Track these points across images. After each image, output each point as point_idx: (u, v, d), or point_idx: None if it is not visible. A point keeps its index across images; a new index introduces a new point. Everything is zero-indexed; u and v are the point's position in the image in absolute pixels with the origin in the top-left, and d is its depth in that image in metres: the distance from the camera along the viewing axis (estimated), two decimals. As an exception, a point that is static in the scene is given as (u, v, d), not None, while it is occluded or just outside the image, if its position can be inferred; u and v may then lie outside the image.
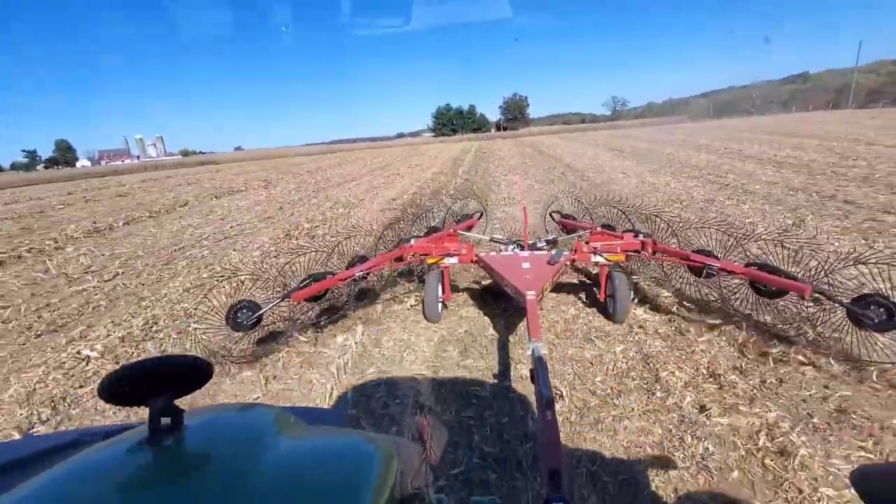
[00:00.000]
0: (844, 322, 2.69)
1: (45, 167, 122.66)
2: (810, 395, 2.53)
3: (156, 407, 0.44)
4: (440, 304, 3.59)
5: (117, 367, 0.44)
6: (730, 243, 3.41)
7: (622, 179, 10.89)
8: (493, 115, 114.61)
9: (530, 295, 2.75)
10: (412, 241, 3.72)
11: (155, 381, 0.44)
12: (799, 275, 2.86)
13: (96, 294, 5.00)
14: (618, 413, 2.52)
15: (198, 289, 4.90)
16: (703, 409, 2.49)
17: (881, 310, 2.51)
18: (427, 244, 3.71)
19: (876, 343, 2.64)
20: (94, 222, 9.31)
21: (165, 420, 0.45)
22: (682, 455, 2.20)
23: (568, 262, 3.50)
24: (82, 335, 3.93)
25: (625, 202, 4.67)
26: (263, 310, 3.04)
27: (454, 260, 3.64)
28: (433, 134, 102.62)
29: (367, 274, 3.55)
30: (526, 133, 60.43)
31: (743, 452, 2.19)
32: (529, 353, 1.94)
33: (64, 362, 3.43)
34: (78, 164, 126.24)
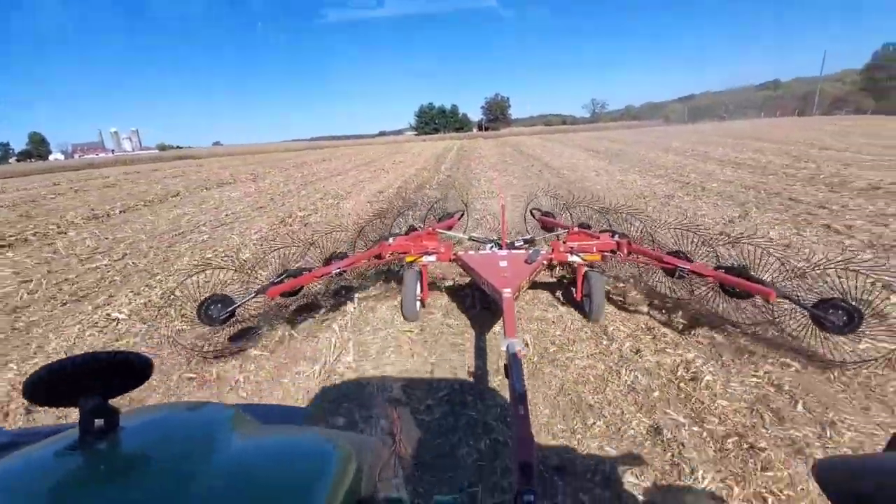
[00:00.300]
0: (808, 324, 2.78)
1: (18, 160, 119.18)
2: (722, 342, 3.20)
3: (87, 407, 0.41)
4: (418, 303, 3.60)
5: (40, 366, 0.42)
6: (700, 245, 3.50)
7: (594, 177, 11.66)
8: (476, 115, 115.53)
9: (506, 293, 2.80)
10: (391, 240, 3.77)
11: (86, 380, 0.42)
12: (767, 278, 2.95)
13: (109, 271, 5.43)
14: (570, 355, 3.15)
15: (201, 267, 5.39)
16: (637, 351, 3.14)
17: (841, 313, 2.57)
18: (406, 242, 3.75)
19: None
20: (92, 210, 9.60)
21: (99, 421, 0.42)
22: (617, 382, 2.84)
23: (545, 262, 3.56)
24: (106, 303, 4.40)
25: (602, 202, 4.76)
26: (236, 304, 3.00)
27: (432, 258, 3.67)
28: (415, 132, 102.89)
29: (345, 271, 3.49)
30: (507, 133, 61.47)
31: (664, 380, 2.84)
32: (504, 349, 1.98)
33: (97, 322, 3.91)
34: (51, 157, 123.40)
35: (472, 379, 2.90)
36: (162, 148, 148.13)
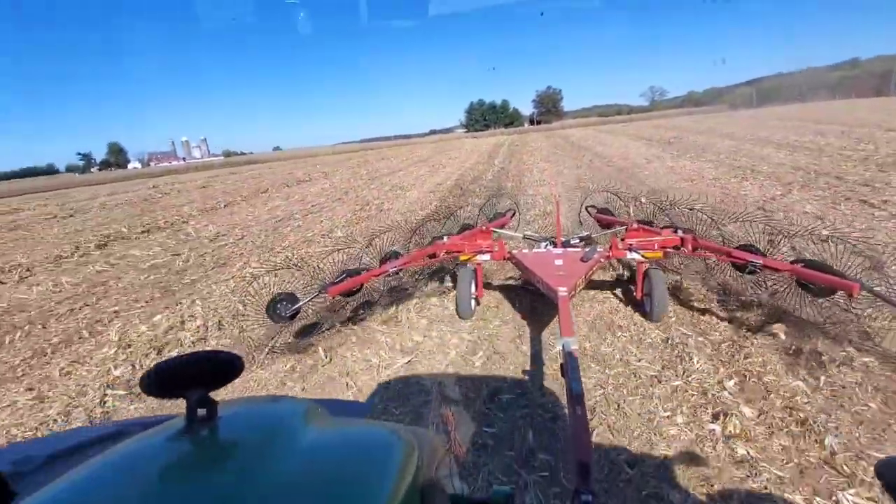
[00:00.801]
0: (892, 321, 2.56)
1: (99, 169, 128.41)
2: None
3: (192, 399, 0.47)
4: (473, 301, 3.61)
5: (154, 363, 0.48)
6: (774, 238, 3.27)
7: (644, 164, 12.13)
8: (527, 109, 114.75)
9: (562, 292, 2.76)
10: (445, 239, 3.77)
11: (191, 375, 0.48)
12: (849, 272, 2.69)
13: (236, 247, 6.88)
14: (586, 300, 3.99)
15: (306, 243, 6.69)
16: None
17: None
18: (460, 241, 3.75)
19: None
20: (203, 205, 11.45)
21: (201, 411, 0.48)
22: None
23: (602, 260, 3.50)
24: (244, 265, 5.76)
25: (660, 195, 4.50)
26: (301, 303, 3.11)
27: (486, 257, 3.66)
28: (465, 130, 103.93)
29: (400, 270, 3.56)
30: (559, 126, 60.99)
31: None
32: (560, 348, 1.94)
33: (245, 276, 5.24)
34: (130, 166, 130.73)
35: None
36: (227, 154, 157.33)
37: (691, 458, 2.09)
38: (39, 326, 4.44)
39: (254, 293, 3.28)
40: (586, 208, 4.95)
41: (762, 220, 3.57)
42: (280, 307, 3.08)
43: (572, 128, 47.57)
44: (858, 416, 2.23)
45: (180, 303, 4.66)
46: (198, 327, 4.03)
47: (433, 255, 3.70)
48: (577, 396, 1.49)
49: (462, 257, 3.68)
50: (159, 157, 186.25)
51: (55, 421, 2.86)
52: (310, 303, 3.17)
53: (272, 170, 26.46)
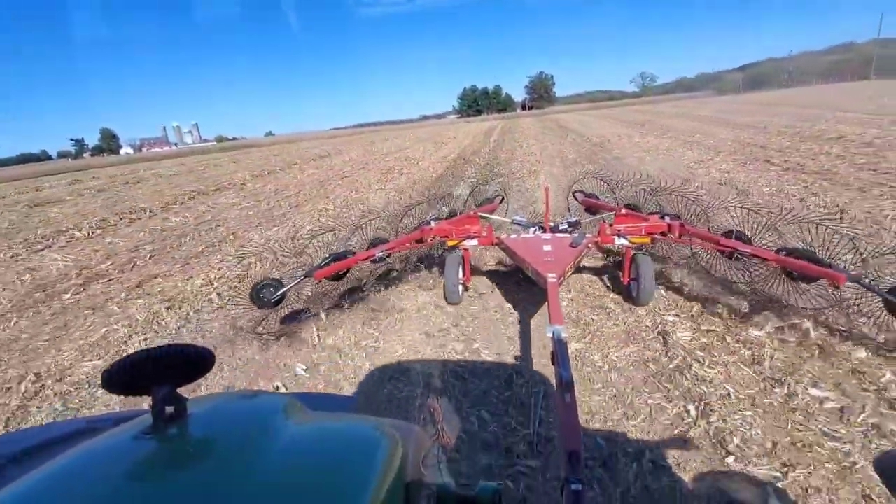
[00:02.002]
0: (881, 311, 2.51)
1: (92, 155, 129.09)
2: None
3: (159, 395, 0.45)
4: (460, 287, 3.59)
5: (117, 358, 0.46)
6: (761, 225, 3.21)
7: (616, 140, 14.47)
8: (519, 95, 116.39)
9: (551, 278, 2.74)
10: (432, 224, 3.76)
11: (158, 370, 0.46)
12: (837, 262, 2.66)
13: (298, 197, 9.17)
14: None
15: (354, 192, 8.98)
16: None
17: None
18: (447, 226, 3.73)
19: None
20: (251, 173, 13.75)
21: (169, 408, 0.46)
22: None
23: (591, 245, 3.50)
24: (312, 208, 8.05)
25: (649, 182, 4.48)
26: (286, 287, 3.07)
27: (474, 242, 3.65)
28: (458, 115, 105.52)
29: (388, 255, 3.56)
30: (550, 111, 63.15)
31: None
32: (550, 335, 1.92)
33: (322, 212, 7.53)
34: (122, 152, 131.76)
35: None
36: (220, 139, 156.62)
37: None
38: (196, 236, 6.74)
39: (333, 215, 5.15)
40: (574, 193, 4.90)
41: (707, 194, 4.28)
42: (265, 293, 3.04)
43: (562, 113, 49.74)
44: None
45: (284, 224, 6.98)
46: (303, 235, 6.33)
47: (421, 240, 3.72)
48: (566, 384, 1.48)
49: (450, 242, 3.69)
50: (151, 142, 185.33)
51: (235, 274, 5.17)
52: (295, 287, 3.13)
53: (282, 150, 28.51)
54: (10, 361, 3.38)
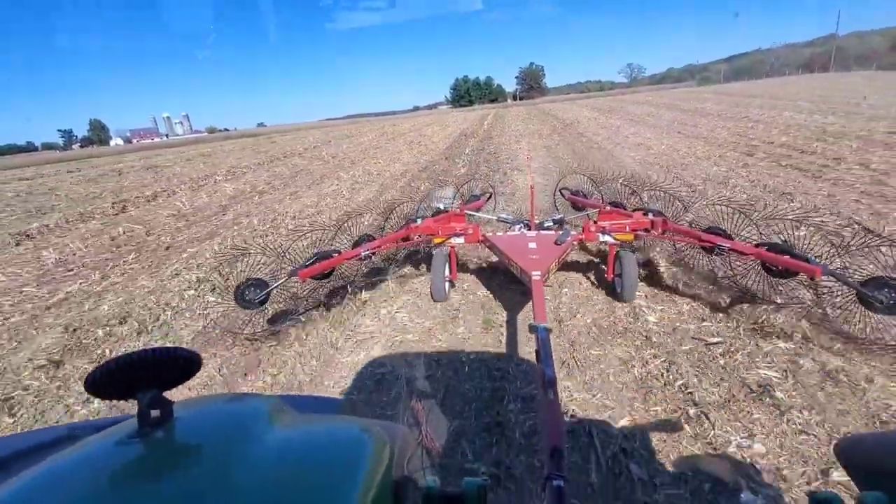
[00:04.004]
0: (854, 304, 2.59)
1: (81, 146, 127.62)
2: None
3: (144, 399, 0.45)
4: (447, 284, 3.62)
5: (101, 361, 0.47)
6: (742, 220, 3.27)
7: (584, 121, 18.29)
8: (510, 85, 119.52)
9: (535, 275, 2.76)
10: (418, 221, 3.77)
11: (143, 374, 0.45)
12: (812, 256, 2.73)
13: (349, 160, 12.85)
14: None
15: (397, 153, 12.67)
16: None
17: (891, 292, 2.44)
18: (433, 224, 3.75)
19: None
20: (301, 147, 17.36)
21: (155, 413, 0.46)
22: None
23: (575, 242, 3.51)
24: (364, 165, 11.75)
25: (633, 179, 4.64)
26: (271, 287, 3.07)
27: (461, 240, 3.67)
28: (450, 106, 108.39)
29: (374, 253, 3.54)
30: (540, 101, 66.87)
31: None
32: (533, 333, 1.93)
33: (373, 166, 11.26)
34: (111, 143, 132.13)
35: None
36: (211, 131, 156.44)
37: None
38: (288, 182, 10.43)
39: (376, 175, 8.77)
40: (560, 191, 4.98)
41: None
42: (249, 293, 3.04)
43: (550, 103, 53.54)
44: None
45: (354, 169, 10.79)
46: (364, 181, 9.99)
47: (407, 238, 3.73)
48: (549, 381, 1.47)
49: (436, 240, 3.69)
50: (141, 133, 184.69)
51: (324, 205, 8.92)
52: (280, 287, 3.13)
53: (303, 136, 32.02)
54: (258, 209, 7.16)
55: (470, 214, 4.09)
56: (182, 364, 0.49)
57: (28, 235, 7.28)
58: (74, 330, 3.65)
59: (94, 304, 4.16)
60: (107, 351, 3.31)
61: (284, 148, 19.93)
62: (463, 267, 4.10)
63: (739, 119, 13.81)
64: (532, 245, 3.29)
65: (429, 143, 15.72)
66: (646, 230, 3.43)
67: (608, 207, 3.82)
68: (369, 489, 0.46)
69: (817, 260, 2.66)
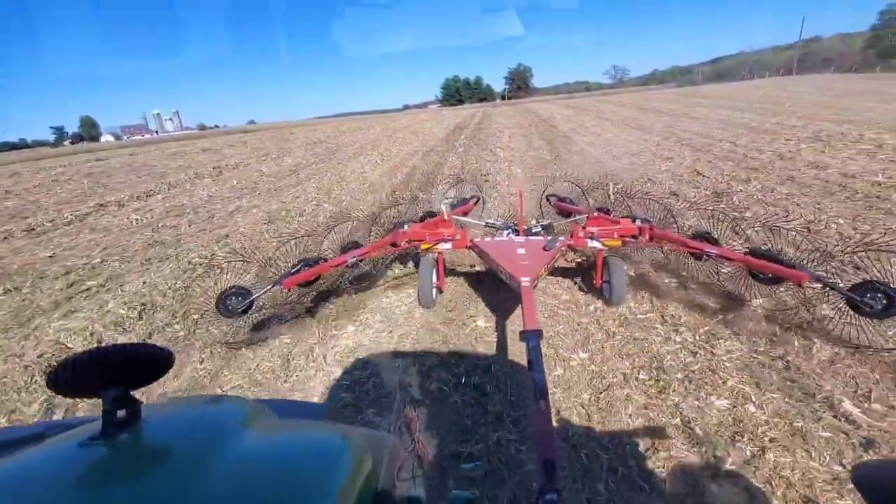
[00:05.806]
0: (844, 308, 2.63)
1: (72, 143, 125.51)
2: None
3: (109, 398, 0.43)
4: (434, 291, 3.59)
5: (65, 356, 0.43)
6: (728, 228, 3.36)
7: (559, 119, 21.64)
8: (499, 86, 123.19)
9: (525, 281, 2.74)
10: (406, 227, 3.72)
11: (110, 372, 0.43)
12: (799, 261, 2.78)
13: (364, 147, 16.09)
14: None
15: (405, 142, 15.95)
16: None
17: (880, 296, 2.46)
18: (421, 230, 3.70)
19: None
20: (322, 136, 20.57)
21: (121, 413, 0.44)
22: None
23: (564, 248, 3.50)
24: (380, 149, 15.01)
25: (621, 185, 4.68)
26: (254, 296, 3.03)
27: (448, 245, 3.63)
28: (440, 105, 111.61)
29: (361, 260, 3.50)
30: (526, 101, 70.48)
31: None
32: (523, 341, 1.89)
33: (387, 150, 14.55)
34: (102, 140, 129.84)
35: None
36: (201, 128, 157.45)
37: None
38: (331, 157, 13.66)
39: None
40: (546, 197, 4.96)
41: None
42: (231, 302, 3.00)
43: (536, 103, 57.02)
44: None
45: (376, 151, 14.03)
46: (388, 156, 13.20)
47: (394, 244, 3.67)
48: (541, 391, 1.46)
49: (423, 246, 3.65)
50: (132, 130, 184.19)
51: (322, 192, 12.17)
52: (263, 295, 3.09)
53: (315, 130, 35.03)
54: (318, 173, 10.41)
55: (457, 219, 4.04)
56: (151, 361, 0.47)
57: (172, 185, 10.68)
58: (268, 215, 6.97)
59: (258, 211, 7.42)
60: (291, 223, 6.57)
61: (308, 138, 23.26)
62: (451, 271, 4.18)
63: (680, 116, 17.16)
64: (521, 251, 3.28)
65: (429, 134, 19.04)
66: (633, 236, 3.46)
67: (596, 213, 3.77)
68: (344, 501, 0.45)
69: (805, 266, 2.69)
